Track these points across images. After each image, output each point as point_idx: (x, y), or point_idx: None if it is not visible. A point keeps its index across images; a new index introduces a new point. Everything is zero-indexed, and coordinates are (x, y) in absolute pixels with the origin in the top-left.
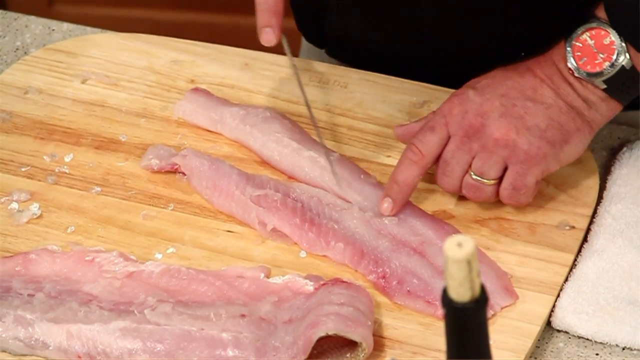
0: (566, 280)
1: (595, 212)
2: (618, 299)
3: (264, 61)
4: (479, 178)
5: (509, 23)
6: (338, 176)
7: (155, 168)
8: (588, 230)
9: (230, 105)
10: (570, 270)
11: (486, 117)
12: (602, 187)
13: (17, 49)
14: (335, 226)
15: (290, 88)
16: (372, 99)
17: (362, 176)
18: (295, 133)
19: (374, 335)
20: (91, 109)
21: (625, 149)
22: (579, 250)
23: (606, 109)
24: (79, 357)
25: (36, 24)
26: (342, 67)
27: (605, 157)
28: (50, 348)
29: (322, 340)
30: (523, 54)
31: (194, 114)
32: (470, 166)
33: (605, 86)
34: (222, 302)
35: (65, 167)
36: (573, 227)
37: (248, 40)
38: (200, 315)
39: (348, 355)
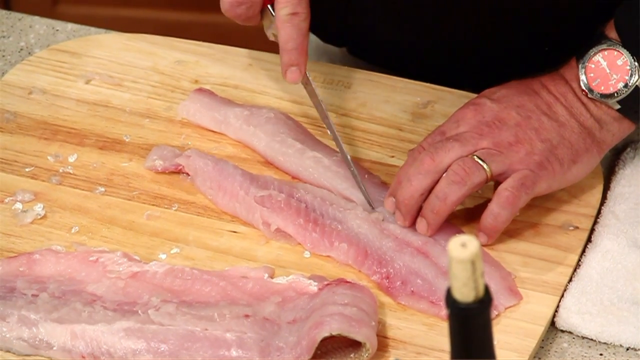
0: (570, 280)
1: (599, 212)
2: (622, 299)
3: (268, 61)
4: (480, 161)
5: (526, 25)
6: (364, 192)
7: (159, 168)
8: (592, 230)
9: (234, 106)
10: (574, 270)
11: (502, 124)
12: (606, 188)
13: (21, 50)
14: (339, 226)
15: (294, 88)
16: (376, 99)
17: (366, 176)
18: (299, 134)
19: (377, 335)
20: (95, 109)
21: (629, 149)
22: (583, 251)
23: (618, 128)
24: (83, 357)
25: (40, 25)
26: (346, 68)
27: (609, 158)
28: (54, 348)
29: (326, 340)
30: (546, 48)
31: (198, 114)
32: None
33: (619, 106)
34: (226, 302)
35: (69, 167)
36: (577, 228)
37: (252, 40)
38: (204, 315)
39: (352, 355)
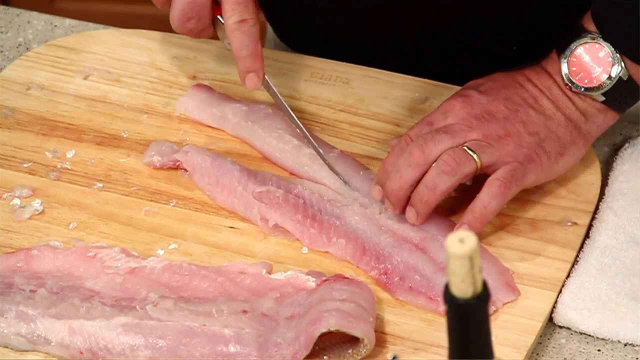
0: (568, 276)
1: (597, 208)
2: (620, 295)
3: (266, 57)
4: (470, 152)
5: (504, 20)
6: (339, 174)
7: (157, 164)
8: (590, 226)
9: (232, 102)
10: (572, 266)
11: (491, 117)
12: (604, 183)
13: (19, 45)
14: (337, 222)
15: (292, 84)
16: (374, 95)
17: (361, 172)
18: (296, 131)
19: (375, 331)
20: (93, 105)
21: (627, 145)
22: (581, 247)
23: (603, 119)
24: (81, 352)
25: (38, 20)
26: (344, 64)
27: (607, 153)
28: (52, 344)
29: (324, 336)
30: (515, 47)
31: (196, 110)
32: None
33: (603, 98)
34: (224, 298)
35: (67, 163)
36: (575, 223)
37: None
38: (202, 311)
39: (350, 351)
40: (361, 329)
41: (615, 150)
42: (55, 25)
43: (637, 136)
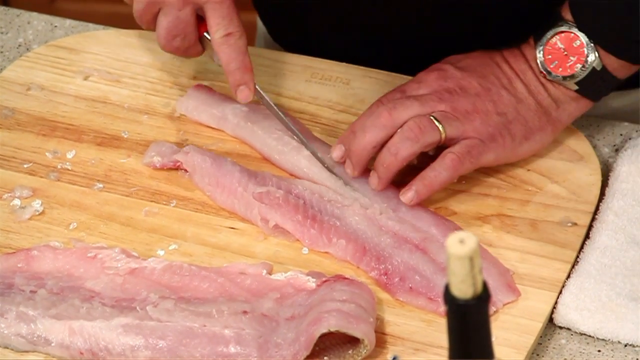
0: (568, 277)
1: (597, 208)
2: (620, 296)
3: (266, 57)
4: (436, 122)
5: (481, 16)
6: (339, 176)
7: (158, 165)
8: (590, 226)
9: (232, 102)
10: (573, 267)
11: (463, 92)
12: (604, 184)
13: (19, 46)
14: (337, 223)
15: (292, 84)
16: (374, 95)
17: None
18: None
19: (376, 331)
20: (93, 105)
21: (627, 145)
22: (581, 247)
23: (575, 107)
24: (81, 353)
25: (38, 21)
26: (345, 64)
27: (607, 154)
28: (53, 344)
29: (324, 336)
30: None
31: (196, 110)
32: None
33: (577, 87)
34: (224, 298)
35: (67, 163)
36: (575, 224)
37: (249, 37)
38: (203, 311)
39: (350, 352)
40: (361, 330)
41: (616, 150)
42: (56, 26)
43: (638, 137)
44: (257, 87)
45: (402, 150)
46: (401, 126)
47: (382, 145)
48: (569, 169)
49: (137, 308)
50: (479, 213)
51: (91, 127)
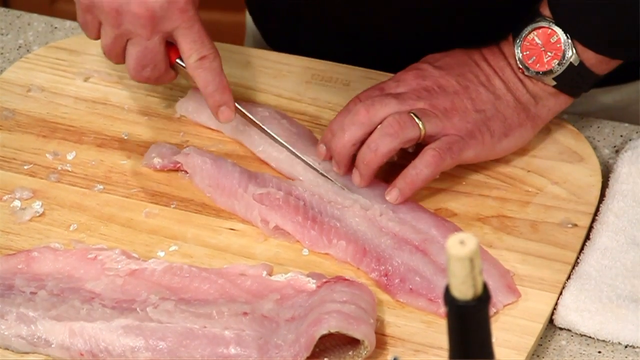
0: (569, 278)
1: (597, 209)
2: (621, 297)
3: (266, 59)
4: (416, 118)
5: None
6: (336, 181)
7: (158, 166)
8: (590, 228)
9: None
10: (573, 268)
11: (441, 90)
12: (605, 185)
13: (19, 47)
14: (338, 224)
15: (293, 86)
16: None
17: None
18: (293, 135)
19: (376, 333)
20: (93, 106)
21: (627, 146)
22: (582, 248)
23: (554, 103)
24: (82, 354)
25: (39, 22)
26: (345, 65)
27: (607, 155)
28: (53, 346)
29: (324, 338)
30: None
31: (196, 112)
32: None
33: (555, 83)
34: (225, 300)
35: (67, 165)
36: (575, 225)
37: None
38: (203, 313)
39: (350, 353)
40: (362, 331)
41: (616, 151)
42: (56, 27)
43: (638, 138)
44: (237, 105)
45: (381, 147)
46: (380, 123)
47: (362, 142)
48: (569, 170)
49: (138, 309)
50: (479, 214)
51: (91, 128)
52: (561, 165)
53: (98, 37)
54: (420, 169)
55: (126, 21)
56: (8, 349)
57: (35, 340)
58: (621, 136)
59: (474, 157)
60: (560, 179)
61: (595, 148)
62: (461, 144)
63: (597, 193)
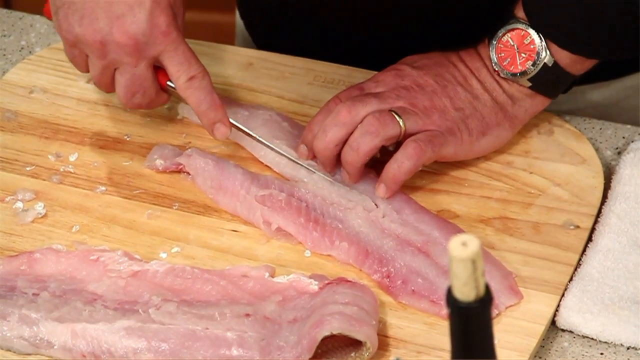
0: (571, 279)
1: (600, 211)
2: (623, 299)
3: (268, 61)
4: (396, 116)
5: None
6: (339, 184)
7: (160, 168)
8: (593, 229)
9: (234, 106)
10: (575, 269)
11: (420, 89)
12: (607, 187)
13: (22, 49)
14: (340, 225)
15: (295, 87)
16: None
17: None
18: (295, 137)
19: (378, 334)
20: (96, 108)
21: (630, 148)
22: (584, 250)
23: (531, 104)
24: (84, 356)
25: (41, 23)
26: (347, 67)
27: (610, 157)
28: (55, 347)
29: (326, 339)
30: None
31: None
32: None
33: (530, 84)
34: (227, 301)
35: (70, 166)
36: (578, 227)
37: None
38: (205, 314)
39: (352, 354)
40: (364, 333)
41: (618, 153)
42: None
43: None
44: (232, 121)
45: (362, 145)
46: (361, 122)
47: (344, 142)
48: (572, 171)
49: (140, 311)
50: (481, 216)
51: (94, 129)
52: (563, 167)
53: (87, 70)
54: (401, 162)
55: (111, 51)
56: (10, 351)
57: (37, 341)
58: (623, 138)
59: (453, 155)
60: (562, 181)
61: (597, 150)
62: (441, 138)
63: (600, 195)
